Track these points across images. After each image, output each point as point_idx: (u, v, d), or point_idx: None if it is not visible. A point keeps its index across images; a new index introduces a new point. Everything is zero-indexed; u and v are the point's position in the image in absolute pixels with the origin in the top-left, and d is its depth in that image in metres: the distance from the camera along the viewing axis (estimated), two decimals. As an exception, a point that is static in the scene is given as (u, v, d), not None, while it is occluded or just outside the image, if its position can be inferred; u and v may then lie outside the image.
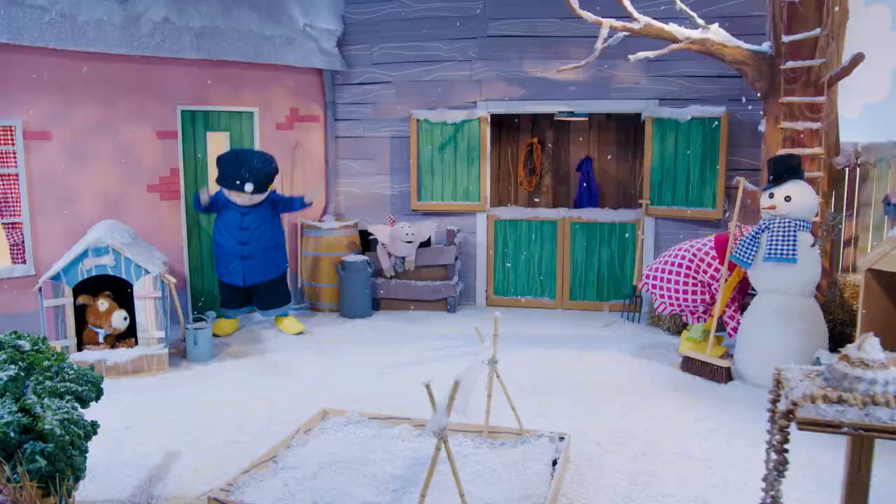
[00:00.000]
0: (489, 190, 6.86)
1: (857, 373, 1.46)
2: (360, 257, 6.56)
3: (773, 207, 4.50)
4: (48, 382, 2.81)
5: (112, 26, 5.39)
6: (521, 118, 7.60)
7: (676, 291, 5.18)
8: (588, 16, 5.34)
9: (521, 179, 7.69)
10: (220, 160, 5.68)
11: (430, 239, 6.80)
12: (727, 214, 5.43)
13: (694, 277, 5.12)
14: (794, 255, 4.38)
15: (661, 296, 5.27)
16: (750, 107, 6.22)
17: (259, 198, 5.70)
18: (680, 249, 5.31)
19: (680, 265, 5.18)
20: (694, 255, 5.19)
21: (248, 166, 5.53)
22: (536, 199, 7.76)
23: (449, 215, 6.89)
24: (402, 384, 4.67)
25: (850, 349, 1.54)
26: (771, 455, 1.60)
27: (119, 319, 4.95)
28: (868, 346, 1.50)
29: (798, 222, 4.46)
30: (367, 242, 6.93)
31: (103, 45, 5.38)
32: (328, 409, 3.97)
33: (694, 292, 5.12)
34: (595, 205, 7.43)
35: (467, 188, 6.78)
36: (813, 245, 4.45)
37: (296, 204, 6.05)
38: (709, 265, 5.07)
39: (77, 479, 2.58)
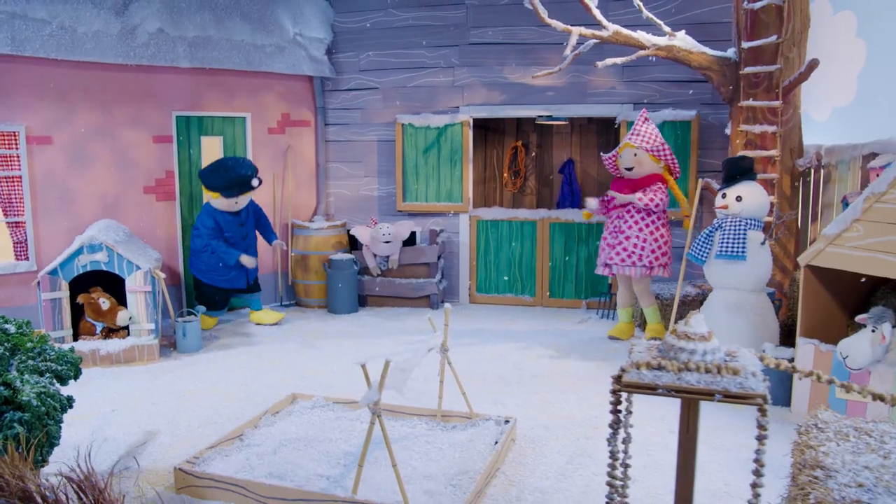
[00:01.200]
0: (471, 191, 7.13)
1: (681, 344, 1.70)
2: (347, 256, 6.86)
3: (725, 207, 4.71)
4: (31, 362, 3.13)
5: (109, 37, 5.75)
6: (506, 122, 7.85)
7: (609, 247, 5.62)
8: (557, 24, 5.58)
9: (506, 181, 7.94)
10: (214, 175, 5.83)
11: (414, 238, 7.09)
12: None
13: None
14: (743, 252, 4.59)
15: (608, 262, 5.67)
16: (720, 110, 6.42)
17: (248, 199, 6.07)
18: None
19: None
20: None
21: (245, 167, 5.88)
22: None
23: (433, 216, 7.17)
24: (374, 374, 4.93)
25: (679, 324, 1.78)
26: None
27: (124, 319, 5.23)
28: (693, 321, 1.74)
29: (749, 221, 4.66)
30: (354, 242, 7.23)
31: (101, 55, 5.74)
32: (297, 393, 4.26)
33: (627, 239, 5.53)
34: (577, 206, 7.67)
35: (450, 190, 7.05)
36: (763, 243, 4.65)
37: (272, 236, 6.38)
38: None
39: (52, 445, 2.89)
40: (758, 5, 5.44)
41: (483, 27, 6.88)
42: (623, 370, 1.68)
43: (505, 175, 7.90)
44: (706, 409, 4.38)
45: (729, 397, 1.58)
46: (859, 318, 3.74)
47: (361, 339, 5.93)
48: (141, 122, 6.19)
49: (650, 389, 1.64)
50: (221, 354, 5.53)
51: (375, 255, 6.91)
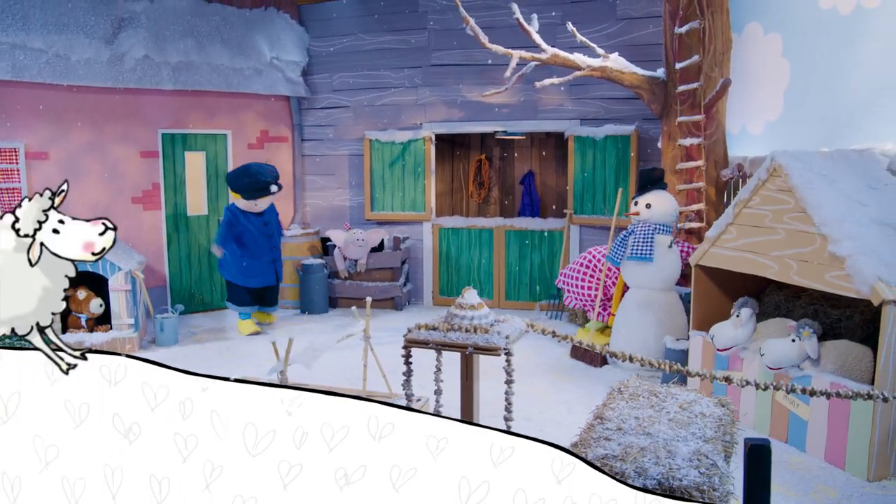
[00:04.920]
0: (434, 201, 7.69)
1: (456, 312, 2.22)
2: (318, 260, 7.45)
3: (636, 213, 5.21)
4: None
5: (100, 63, 6.45)
6: (471, 137, 8.41)
7: (581, 287, 5.94)
8: (498, 49, 6.15)
9: (471, 192, 8.49)
10: (238, 179, 6.38)
11: (383, 244, 7.66)
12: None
13: (593, 275, 5.87)
14: (650, 254, 5.07)
15: (568, 291, 6.04)
16: (658, 125, 6.91)
17: (272, 200, 6.60)
18: (588, 253, 6.07)
19: (585, 266, 5.94)
20: (594, 257, 5.94)
21: (266, 173, 6.40)
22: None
23: (398, 224, 7.75)
24: (324, 363, 5.50)
25: (459, 298, 2.30)
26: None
27: (96, 306, 5.90)
28: (466, 295, 2.26)
29: (657, 226, 5.15)
30: (326, 248, 7.82)
31: (92, 79, 6.43)
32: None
33: (590, 287, 5.86)
34: (536, 215, 8.18)
35: (414, 200, 7.62)
36: (670, 246, 5.13)
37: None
38: (608, 267, 5.84)
39: (16, 409, 3.50)
40: (682, 30, 5.96)
41: (443, 50, 7.47)
42: (409, 330, 2.20)
43: (470, 186, 8.45)
44: (593, 380, 4.87)
45: (478, 349, 2.11)
46: (732, 311, 4.21)
47: (325, 335, 6.47)
48: (129, 139, 6.87)
49: (424, 344, 2.17)
50: (194, 348, 6.14)
51: (346, 259, 7.49)
